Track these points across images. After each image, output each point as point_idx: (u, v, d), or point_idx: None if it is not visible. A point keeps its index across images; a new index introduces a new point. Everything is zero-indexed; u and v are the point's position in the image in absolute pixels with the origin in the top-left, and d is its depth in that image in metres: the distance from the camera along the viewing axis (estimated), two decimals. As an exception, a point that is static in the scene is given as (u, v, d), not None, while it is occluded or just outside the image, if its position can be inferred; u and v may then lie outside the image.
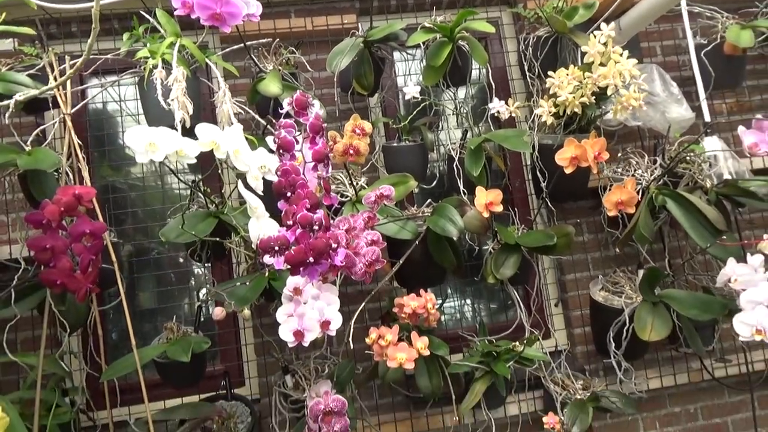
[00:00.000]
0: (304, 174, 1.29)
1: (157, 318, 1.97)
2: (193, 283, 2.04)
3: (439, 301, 1.96)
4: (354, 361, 1.66)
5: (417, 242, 1.60)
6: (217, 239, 1.47)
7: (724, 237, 1.60)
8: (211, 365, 1.85)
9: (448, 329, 1.97)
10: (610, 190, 1.68)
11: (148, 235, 2.00)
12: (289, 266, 1.18)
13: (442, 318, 2.08)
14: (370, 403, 1.82)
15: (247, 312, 1.29)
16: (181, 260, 2.05)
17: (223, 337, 1.90)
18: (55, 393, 1.46)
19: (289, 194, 1.23)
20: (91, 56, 1.43)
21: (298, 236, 1.16)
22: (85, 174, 1.59)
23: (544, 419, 1.60)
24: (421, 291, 1.53)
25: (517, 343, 1.63)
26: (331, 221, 1.35)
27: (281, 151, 1.27)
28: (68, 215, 1.37)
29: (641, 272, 1.73)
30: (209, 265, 1.92)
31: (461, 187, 1.80)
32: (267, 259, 1.19)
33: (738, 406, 2.01)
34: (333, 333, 1.35)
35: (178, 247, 2.00)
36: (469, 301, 2.17)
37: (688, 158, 1.85)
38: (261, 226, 1.28)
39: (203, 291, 1.80)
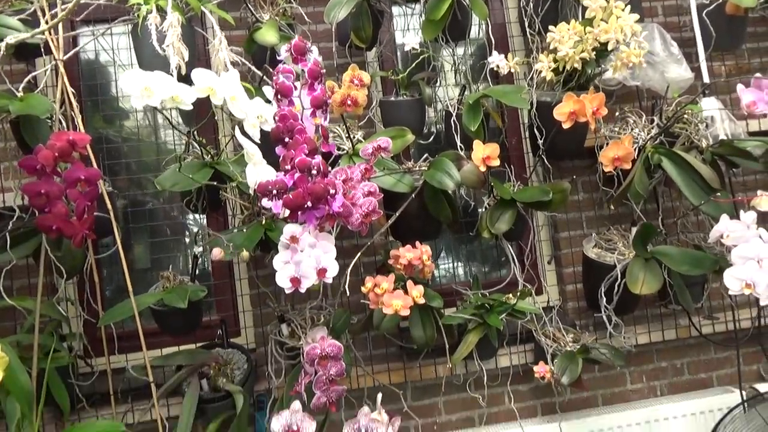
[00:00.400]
0: (302, 121, 1.28)
1: (152, 273, 1.98)
2: (188, 240, 2.03)
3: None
4: (349, 312, 1.68)
5: (413, 196, 1.61)
6: (215, 183, 1.47)
7: (718, 194, 1.61)
8: (207, 316, 1.87)
9: (442, 285, 1.99)
10: (606, 146, 1.69)
11: (142, 188, 2.00)
12: (287, 210, 1.19)
13: (437, 274, 2.10)
14: (364, 354, 1.85)
15: (245, 254, 1.30)
16: (176, 213, 2.05)
17: (219, 288, 1.91)
18: (52, 337, 1.47)
19: (287, 140, 1.23)
20: (83, 1, 1.40)
21: (296, 180, 1.16)
22: (79, 121, 1.57)
23: (535, 368, 1.64)
24: (417, 243, 1.54)
25: (510, 295, 1.65)
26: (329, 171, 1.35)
27: (279, 96, 1.26)
28: (62, 161, 1.36)
29: (634, 230, 1.75)
30: (204, 216, 1.92)
31: (458, 143, 1.80)
32: (265, 202, 1.19)
33: (723, 362, 2.06)
34: (329, 281, 1.37)
35: (173, 200, 2.00)
36: (463, 260, 2.19)
37: (685, 118, 1.86)
38: (258, 173, 1.27)
39: (199, 242, 1.81)
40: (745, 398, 1.75)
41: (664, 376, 2.04)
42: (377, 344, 1.90)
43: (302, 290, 1.34)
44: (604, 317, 1.75)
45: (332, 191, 1.20)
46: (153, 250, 2.00)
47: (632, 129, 1.85)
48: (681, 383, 2.04)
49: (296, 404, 1.30)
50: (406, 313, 1.36)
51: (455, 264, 2.17)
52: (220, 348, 1.71)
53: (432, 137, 2.02)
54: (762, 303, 1.41)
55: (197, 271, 1.77)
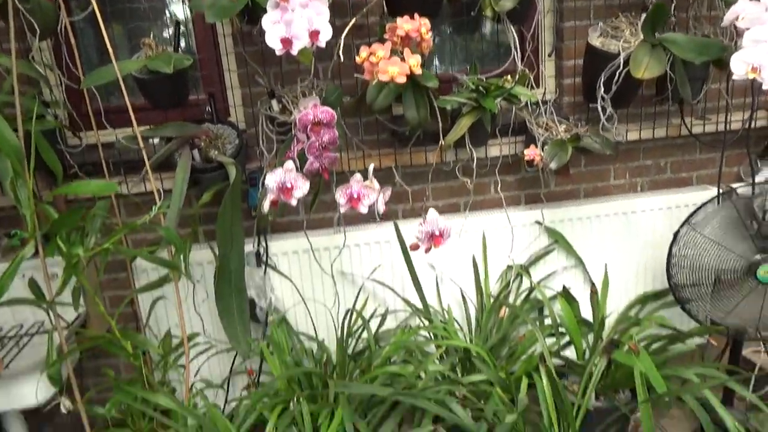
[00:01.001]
0: None
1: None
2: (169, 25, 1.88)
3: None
4: (341, 90, 1.63)
5: (414, -37, 1.47)
6: None
7: (742, -27, 1.49)
8: (194, 95, 1.81)
9: (439, 73, 1.93)
10: None
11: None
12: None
13: (433, 67, 2.03)
14: (356, 139, 1.85)
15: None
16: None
17: (205, 63, 1.82)
18: (35, 101, 1.42)
19: None
20: None
21: None
22: None
23: (525, 151, 1.65)
24: (415, 15, 1.44)
25: (509, 77, 1.61)
26: None
27: None
28: None
29: (644, 15, 1.65)
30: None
31: None
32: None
33: (705, 163, 2.11)
34: (322, 45, 1.30)
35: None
36: (460, 55, 2.10)
37: None
38: None
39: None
40: (720, 192, 1.81)
41: (647, 173, 2.09)
42: (369, 130, 1.88)
43: (294, 52, 1.28)
44: (599, 108, 1.73)
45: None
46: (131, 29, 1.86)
47: None
48: (662, 181, 2.10)
49: (290, 164, 1.31)
50: (402, 80, 1.31)
51: (453, 55, 2.09)
52: (210, 123, 1.69)
53: None
54: (765, 87, 1.39)
55: (180, 46, 1.67)
